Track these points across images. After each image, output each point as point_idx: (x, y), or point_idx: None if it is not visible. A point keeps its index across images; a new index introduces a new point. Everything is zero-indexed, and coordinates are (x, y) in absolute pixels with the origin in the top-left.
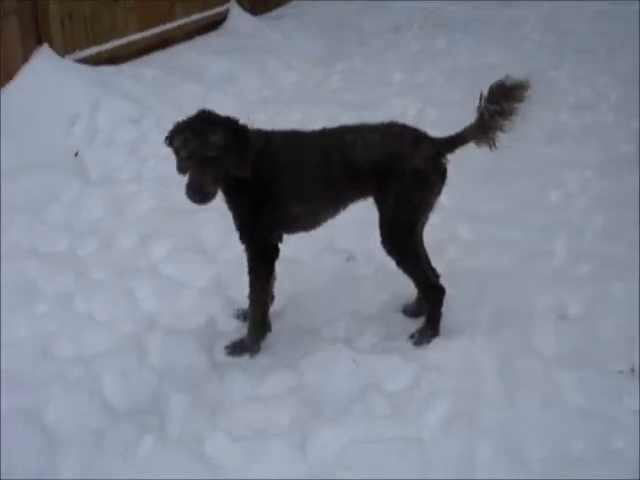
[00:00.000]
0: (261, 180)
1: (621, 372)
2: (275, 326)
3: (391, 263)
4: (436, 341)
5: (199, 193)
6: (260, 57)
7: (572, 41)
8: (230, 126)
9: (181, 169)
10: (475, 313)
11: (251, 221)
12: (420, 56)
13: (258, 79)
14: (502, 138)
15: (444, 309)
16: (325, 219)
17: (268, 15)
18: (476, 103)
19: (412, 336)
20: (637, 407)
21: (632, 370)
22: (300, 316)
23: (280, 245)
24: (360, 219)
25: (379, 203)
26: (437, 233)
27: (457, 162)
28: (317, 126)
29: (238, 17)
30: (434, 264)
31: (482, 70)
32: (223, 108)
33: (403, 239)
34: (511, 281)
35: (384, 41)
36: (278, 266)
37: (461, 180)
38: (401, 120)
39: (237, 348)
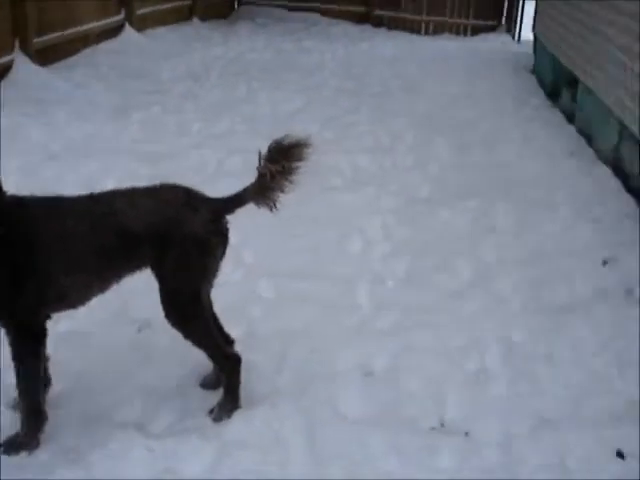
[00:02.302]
0: (18, 251)
1: (433, 429)
2: (59, 413)
3: None
4: (237, 414)
5: None
6: (49, 109)
7: (368, 85)
8: None
9: None
10: (278, 378)
11: (9, 298)
12: (220, 105)
13: (47, 133)
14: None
15: (244, 377)
16: (95, 294)
17: (58, 65)
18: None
19: (211, 411)
20: (448, 465)
21: (442, 425)
22: (88, 399)
23: (49, 322)
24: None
25: (157, 273)
26: (238, 292)
27: (254, 214)
28: (112, 180)
29: (24, 68)
30: (235, 325)
31: (283, 117)
32: (7, 167)
33: (187, 309)
34: (314, 339)
35: (183, 90)
36: (62, 339)
37: (260, 233)
38: (202, 171)
39: (13, 445)
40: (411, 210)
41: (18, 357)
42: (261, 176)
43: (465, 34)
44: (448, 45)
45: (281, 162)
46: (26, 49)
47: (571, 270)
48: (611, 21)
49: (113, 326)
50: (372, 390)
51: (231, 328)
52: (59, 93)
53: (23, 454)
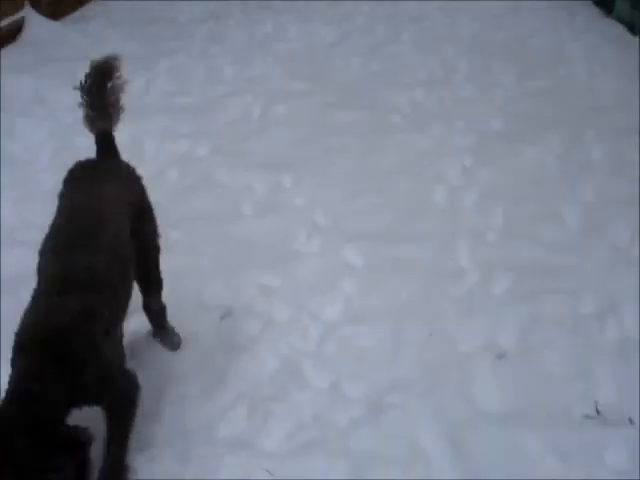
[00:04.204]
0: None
1: (588, 417)
2: (153, 430)
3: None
4: (365, 420)
5: None
6: (70, 68)
7: (404, 9)
8: None
9: None
10: (398, 369)
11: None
12: (249, 45)
13: (72, 95)
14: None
15: (361, 369)
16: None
17: (70, 17)
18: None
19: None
20: (622, 462)
21: (598, 412)
22: (182, 411)
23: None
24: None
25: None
26: (322, 263)
27: (318, 170)
28: (153, 143)
29: (37, 24)
30: (330, 303)
31: (320, 53)
32: (39, 135)
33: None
34: (424, 316)
35: (205, 32)
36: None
37: (327, 190)
38: (247, 123)
39: None
40: (489, 148)
41: (128, 412)
42: (87, 106)
43: None
44: None
45: (95, 87)
46: (36, 2)
47: None
48: None
49: (192, 316)
50: (508, 376)
51: (327, 306)
52: (77, 48)
53: None
